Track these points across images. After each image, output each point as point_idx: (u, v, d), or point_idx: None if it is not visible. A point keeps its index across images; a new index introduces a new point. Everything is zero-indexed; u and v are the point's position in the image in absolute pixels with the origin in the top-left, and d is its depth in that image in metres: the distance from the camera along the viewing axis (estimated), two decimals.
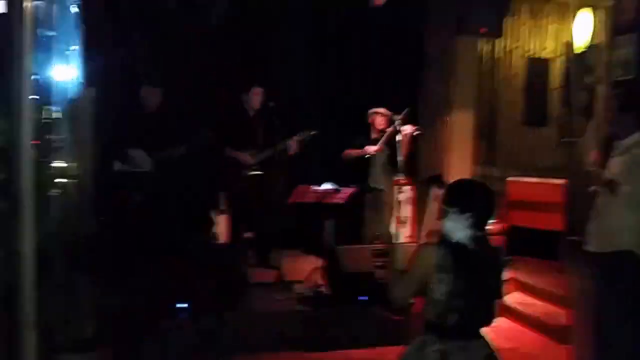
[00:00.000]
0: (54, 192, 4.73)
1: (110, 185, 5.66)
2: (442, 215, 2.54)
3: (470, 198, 2.53)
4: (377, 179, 6.55)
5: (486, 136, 7.72)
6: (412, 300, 2.68)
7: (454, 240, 2.47)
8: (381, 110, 6.48)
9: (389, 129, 6.33)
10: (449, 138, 7.11)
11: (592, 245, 3.99)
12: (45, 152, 4.61)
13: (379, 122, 6.49)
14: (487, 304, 2.55)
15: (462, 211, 2.47)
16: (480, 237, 2.50)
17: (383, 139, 6.38)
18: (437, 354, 2.42)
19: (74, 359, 3.97)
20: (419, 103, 7.51)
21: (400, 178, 6.42)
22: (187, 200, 6.61)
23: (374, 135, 6.52)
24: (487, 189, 2.61)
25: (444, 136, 7.17)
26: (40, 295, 3.83)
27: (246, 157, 6.09)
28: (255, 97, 6.20)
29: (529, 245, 6.77)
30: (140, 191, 5.48)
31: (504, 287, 2.59)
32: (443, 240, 2.50)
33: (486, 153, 7.72)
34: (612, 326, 3.97)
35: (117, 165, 5.52)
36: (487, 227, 2.57)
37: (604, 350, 4.05)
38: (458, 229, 2.46)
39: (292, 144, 6.04)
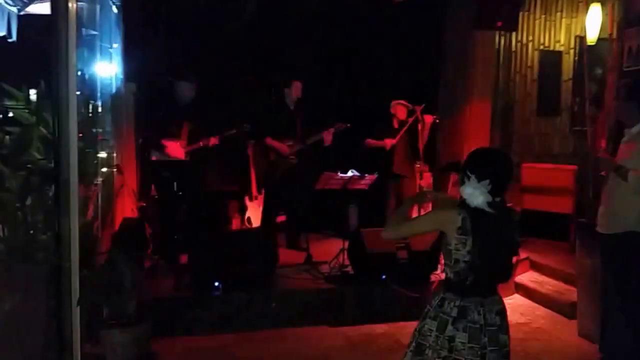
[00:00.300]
0: (98, 180, 4.78)
1: (150, 174, 5.68)
2: (461, 181, 2.49)
3: (488, 165, 2.47)
4: (400, 166, 6.48)
5: (502, 125, 7.59)
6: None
7: (472, 206, 2.41)
8: (402, 102, 6.46)
9: (409, 120, 6.28)
10: (467, 127, 7.01)
11: (602, 227, 3.93)
12: (90, 143, 4.66)
13: (400, 112, 6.45)
14: (504, 263, 2.52)
15: (481, 178, 2.41)
16: (497, 202, 2.44)
17: (401, 131, 6.33)
18: (456, 310, 2.42)
19: (116, 334, 4.00)
20: (439, 94, 7.44)
21: (421, 165, 6.40)
22: (221, 187, 6.64)
23: (395, 125, 6.47)
24: (505, 156, 2.56)
25: (462, 125, 7.06)
26: (84, 275, 3.89)
27: (284, 146, 6.10)
28: (296, 90, 6.21)
29: (541, 227, 6.72)
30: (176, 179, 5.46)
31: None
32: (462, 205, 2.45)
33: (502, 141, 7.59)
34: (616, 301, 3.92)
35: (155, 155, 5.53)
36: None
37: (607, 324, 4.00)
38: (477, 195, 2.40)
39: (327, 136, 6.05)
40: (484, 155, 2.58)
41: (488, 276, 2.45)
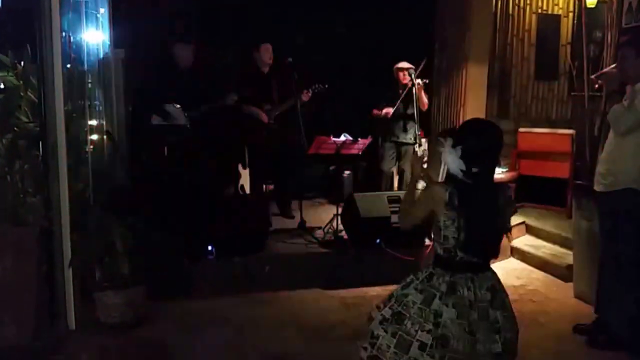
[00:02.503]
0: (89, 147, 4.80)
1: (149, 138, 5.62)
2: (440, 145, 2.48)
3: (475, 137, 2.44)
4: (399, 132, 6.48)
5: (499, 90, 7.59)
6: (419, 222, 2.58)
7: (459, 178, 2.40)
8: (403, 65, 6.36)
9: (409, 83, 6.22)
10: (463, 92, 6.99)
11: (599, 185, 3.95)
12: (79, 110, 4.67)
13: (402, 77, 6.39)
14: (494, 238, 2.51)
15: (455, 144, 2.40)
16: (485, 174, 2.44)
17: (400, 98, 6.29)
18: (445, 285, 2.40)
19: (109, 296, 4.06)
20: (435, 57, 7.41)
21: (417, 131, 6.33)
22: (217, 153, 6.63)
23: (400, 90, 6.38)
24: (494, 128, 2.50)
25: (458, 91, 7.05)
26: (77, 238, 3.94)
27: (261, 112, 6.07)
28: (265, 53, 6.12)
29: (538, 192, 6.75)
30: (178, 142, 5.47)
31: (511, 224, 2.52)
32: (449, 179, 2.44)
33: (499, 106, 7.60)
34: (611, 261, 3.96)
35: (156, 120, 5.52)
36: (495, 165, 2.51)
37: (603, 284, 4.05)
38: (450, 161, 2.40)
39: (304, 96, 5.97)
40: (466, 124, 2.61)
41: (477, 253, 2.43)
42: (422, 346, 2.34)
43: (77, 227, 3.97)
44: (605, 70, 3.99)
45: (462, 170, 2.38)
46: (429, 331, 2.35)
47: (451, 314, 2.35)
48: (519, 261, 5.85)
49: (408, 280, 2.55)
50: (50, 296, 3.93)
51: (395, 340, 2.40)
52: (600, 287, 4.10)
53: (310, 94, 5.99)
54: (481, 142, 2.44)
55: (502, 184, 2.53)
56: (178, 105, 5.47)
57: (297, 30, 6.93)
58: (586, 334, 4.06)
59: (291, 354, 3.85)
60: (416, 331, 2.37)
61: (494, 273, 2.51)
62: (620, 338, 3.88)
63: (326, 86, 6.03)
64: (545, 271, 5.51)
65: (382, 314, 2.48)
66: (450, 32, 7.26)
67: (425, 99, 6.34)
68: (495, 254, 2.52)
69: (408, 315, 2.41)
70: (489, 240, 2.47)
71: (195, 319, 4.34)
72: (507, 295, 2.51)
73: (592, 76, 4.39)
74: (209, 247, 4.88)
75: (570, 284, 4.99)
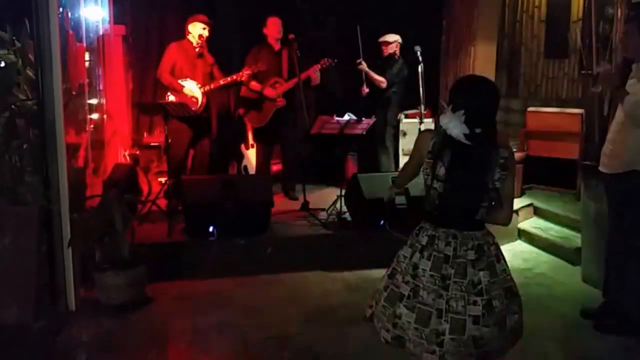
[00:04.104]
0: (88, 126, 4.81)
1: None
2: (440, 111, 2.47)
3: (464, 94, 2.40)
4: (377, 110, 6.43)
5: (508, 69, 7.53)
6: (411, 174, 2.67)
7: (448, 133, 2.37)
8: (385, 38, 6.39)
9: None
10: (471, 71, 6.93)
11: (606, 167, 3.92)
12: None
13: (384, 50, 6.42)
14: (469, 199, 2.42)
15: (456, 107, 2.36)
16: (478, 134, 2.36)
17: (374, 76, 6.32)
18: (426, 239, 2.43)
19: (109, 276, 4.08)
20: (443, 34, 7.34)
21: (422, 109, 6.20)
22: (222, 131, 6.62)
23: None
24: (485, 85, 2.43)
25: (466, 69, 6.99)
26: (75, 218, 3.95)
27: (268, 89, 6.03)
28: (273, 28, 6.05)
29: (547, 174, 6.71)
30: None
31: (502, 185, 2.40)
32: (438, 130, 2.43)
33: (508, 85, 7.54)
34: (619, 244, 3.94)
35: (171, 97, 5.53)
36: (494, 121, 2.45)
37: (611, 266, 4.05)
38: (452, 125, 2.35)
39: (313, 74, 5.94)
40: (462, 84, 2.53)
41: (454, 208, 2.41)
42: (401, 297, 2.43)
43: (76, 207, 3.98)
44: (599, 71, 3.94)
45: (465, 134, 2.34)
46: (407, 282, 2.43)
47: (425, 265, 2.40)
48: (526, 244, 5.84)
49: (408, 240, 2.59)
50: (51, 277, 3.96)
51: (386, 294, 2.51)
52: (607, 270, 4.09)
53: (318, 72, 5.93)
54: (483, 101, 2.40)
55: (496, 145, 2.40)
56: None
57: (303, 4, 6.84)
58: (593, 317, 4.05)
59: (292, 334, 3.88)
60: (400, 282, 2.45)
61: (486, 235, 2.47)
62: (628, 322, 3.88)
63: (336, 61, 5.97)
64: (553, 254, 5.50)
65: (386, 274, 2.57)
66: (457, 9, 7.19)
67: (375, 77, 6.32)
68: (471, 217, 2.43)
69: (399, 269, 2.49)
70: (465, 198, 2.41)
71: (196, 301, 4.37)
72: (500, 261, 2.46)
73: (592, 88, 4.31)
74: (211, 228, 4.88)
75: (579, 268, 4.99)
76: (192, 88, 5.58)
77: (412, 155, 2.61)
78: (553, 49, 7.56)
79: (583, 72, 7.29)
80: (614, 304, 4.00)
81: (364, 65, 6.30)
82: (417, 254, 2.44)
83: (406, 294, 2.42)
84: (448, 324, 2.34)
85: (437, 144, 2.40)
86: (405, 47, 6.39)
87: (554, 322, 4.13)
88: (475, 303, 2.36)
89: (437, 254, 2.40)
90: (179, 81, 5.56)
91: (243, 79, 5.77)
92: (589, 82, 6.61)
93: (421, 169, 2.50)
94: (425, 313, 2.37)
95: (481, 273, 2.39)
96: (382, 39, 6.47)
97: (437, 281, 2.37)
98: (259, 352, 3.67)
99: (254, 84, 6.01)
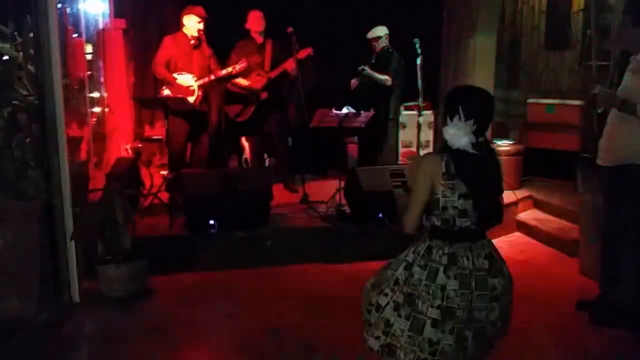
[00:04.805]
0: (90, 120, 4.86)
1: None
2: (443, 122, 2.48)
3: (472, 104, 2.42)
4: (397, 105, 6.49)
5: (508, 60, 7.55)
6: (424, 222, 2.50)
7: (454, 147, 2.38)
8: (374, 33, 6.40)
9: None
10: (471, 62, 6.94)
11: (603, 160, 3.96)
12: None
13: (375, 46, 6.44)
14: (492, 203, 2.51)
15: (466, 117, 2.37)
16: (481, 142, 2.43)
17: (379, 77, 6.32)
18: (446, 257, 2.41)
19: (112, 269, 4.16)
20: (443, 26, 7.34)
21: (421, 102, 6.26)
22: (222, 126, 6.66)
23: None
24: (488, 94, 2.49)
25: (466, 61, 7.00)
26: (77, 212, 4.02)
27: (255, 81, 6.07)
28: (255, 21, 6.09)
29: (546, 165, 6.76)
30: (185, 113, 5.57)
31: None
32: (444, 149, 2.43)
33: (508, 76, 7.55)
34: (615, 236, 3.99)
35: (166, 91, 5.57)
36: (486, 132, 2.49)
37: (606, 259, 4.09)
38: (460, 135, 2.37)
39: (289, 65, 5.93)
40: (466, 94, 2.51)
41: (478, 219, 2.43)
42: (434, 323, 2.38)
43: (78, 200, 4.05)
44: (595, 92, 3.96)
45: (472, 144, 2.38)
46: (438, 307, 2.38)
47: (455, 285, 2.38)
48: (524, 235, 5.88)
49: (403, 256, 2.57)
50: (54, 269, 4.03)
51: (409, 323, 2.42)
52: (603, 262, 4.13)
53: (294, 62, 5.90)
54: (490, 111, 2.47)
55: (493, 149, 2.53)
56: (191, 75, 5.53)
57: None
58: (589, 310, 4.08)
59: (291, 326, 3.94)
60: (427, 309, 2.39)
61: (489, 241, 2.53)
62: (624, 314, 3.92)
63: (310, 51, 5.95)
64: (551, 246, 5.55)
65: (394, 301, 2.48)
66: (458, 0, 7.18)
67: (380, 77, 6.31)
68: (499, 219, 2.53)
69: (417, 294, 2.42)
70: (488, 205, 2.48)
71: (196, 292, 4.45)
72: (504, 262, 2.53)
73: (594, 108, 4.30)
74: (211, 221, 4.95)
75: (576, 260, 5.02)
76: (188, 81, 5.63)
77: (419, 183, 2.47)
78: (554, 40, 7.57)
79: (584, 63, 7.33)
80: (610, 296, 4.03)
81: (368, 71, 6.30)
82: (442, 275, 2.40)
83: (439, 318, 2.37)
84: (471, 331, 2.39)
85: (450, 164, 2.38)
86: (404, 39, 6.40)
87: (550, 315, 4.17)
88: (493, 309, 2.42)
89: (462, 271, 2.40)
90: (174, 74, 5.60)
91: (240, 71, 5.81)
92: (588, 73, 6.63)
93: (436, 194, 2.41)
94: (463, 331, 2.38)
95: (495, 280, 2.43)
96: (371, 35, 6.43)
97: (469, 297, 2.38)
98: (259, 343, 3.74)
99: (239, 80, 6.08)
